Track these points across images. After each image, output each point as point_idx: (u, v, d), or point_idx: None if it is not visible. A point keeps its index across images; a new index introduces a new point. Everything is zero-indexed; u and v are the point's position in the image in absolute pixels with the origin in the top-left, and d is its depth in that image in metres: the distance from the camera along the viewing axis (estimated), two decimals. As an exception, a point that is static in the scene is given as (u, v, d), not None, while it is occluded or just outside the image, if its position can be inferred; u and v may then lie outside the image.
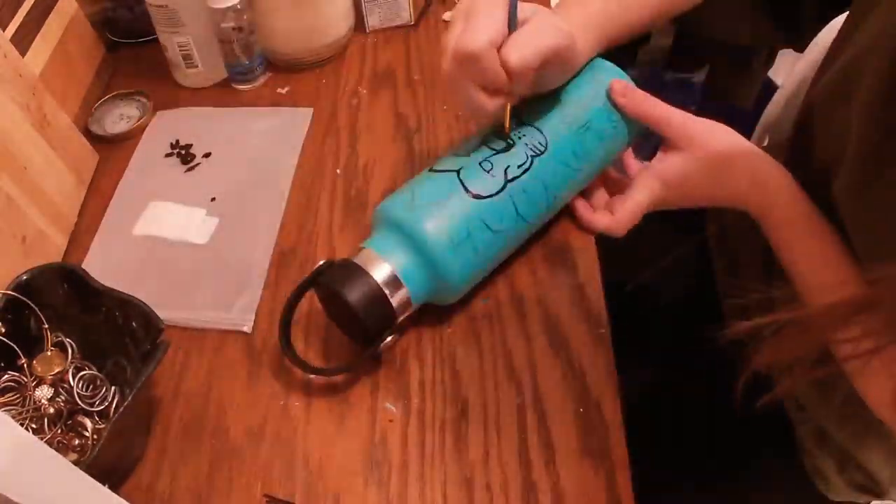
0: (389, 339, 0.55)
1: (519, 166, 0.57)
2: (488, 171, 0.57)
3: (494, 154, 0.57)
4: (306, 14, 0.81)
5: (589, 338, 0.59)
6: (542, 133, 0.59)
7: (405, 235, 0.55)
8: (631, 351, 0.62)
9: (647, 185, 0.59)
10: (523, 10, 0.52)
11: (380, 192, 0.71)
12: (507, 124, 0.58)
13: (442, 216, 0.55)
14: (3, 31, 0.67)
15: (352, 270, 0.54)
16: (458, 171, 0.57)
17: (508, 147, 0.58)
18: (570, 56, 0.56)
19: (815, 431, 0.66)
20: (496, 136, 0.59)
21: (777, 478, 0.69)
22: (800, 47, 1.32)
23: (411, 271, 0.55)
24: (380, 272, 0.54)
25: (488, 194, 0.56)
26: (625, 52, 0.69)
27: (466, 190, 0.56)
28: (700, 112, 0.72)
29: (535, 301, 0.61)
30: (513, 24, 0.51)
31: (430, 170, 0.58)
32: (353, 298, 0.53)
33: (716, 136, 0.57)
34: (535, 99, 0.60)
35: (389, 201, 0.57)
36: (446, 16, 0.91)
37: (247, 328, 0.62)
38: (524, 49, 0.50)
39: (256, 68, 0.83)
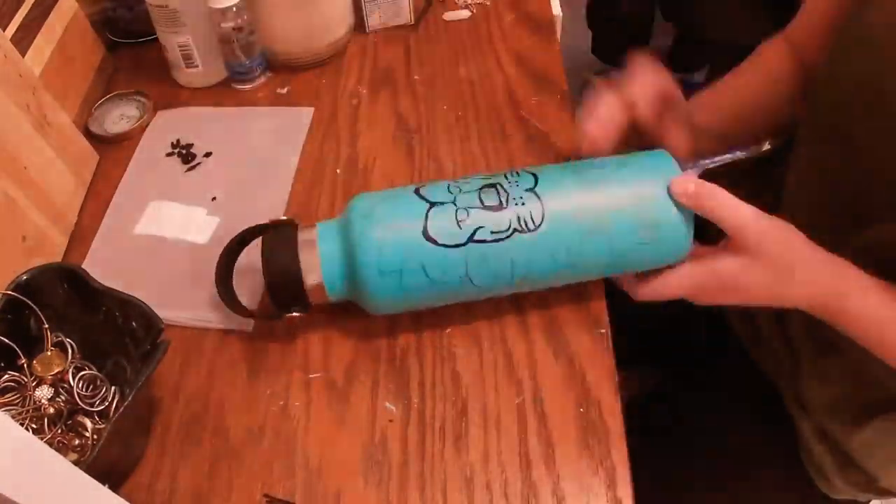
0: (296, 313, 0.57)
1: (493, 232, 0.52)
2: (459, 221, 0.53)
3: (479, 209, 0.53)
4: (306, 14, 0.81)
5: (589, 338, 0.59)
6: (543, 211, 0.53)
7: (346, 236, 0.55)
8: (631, 350, 0.62)
9: (694, 278, 0.54)
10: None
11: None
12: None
13: (385, 240, 0.53)
14: (3, 31, 0.67)
15: (286, 240, 0.56)
16: (431, 206, 0.54)
17: (497, 208, 0.53)
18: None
19: (816, 429, 0.66)
20: (496, 190, 0.54)
21: (777, 477, 0.69)
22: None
23: (336, 269, 0.55)
24: (307, 254, 0.55)
25: (443, 242, 0.52)
26: (625, 52, 0.69)
27: (425, 227, 0.53)
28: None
29: (535, 301, 0.61)
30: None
31: (417, 190, 0.56)
32: (271, 266, 0.55)
33: (786, 242, 0.52)
34: (574, 173, 0.55)
35: (362, 197, 0.57)
36: (446, 16, 0.91)
37: (246, 329, 0.62)
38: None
39: (256, 68, 0.83)
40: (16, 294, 0.55)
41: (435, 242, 0.53)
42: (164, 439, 0.56)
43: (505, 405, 0.56)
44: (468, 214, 0.53)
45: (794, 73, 0.68)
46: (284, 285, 0.55)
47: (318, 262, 0.55)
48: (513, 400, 0.56)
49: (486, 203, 0.53)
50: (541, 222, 0.53)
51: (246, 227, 0.61)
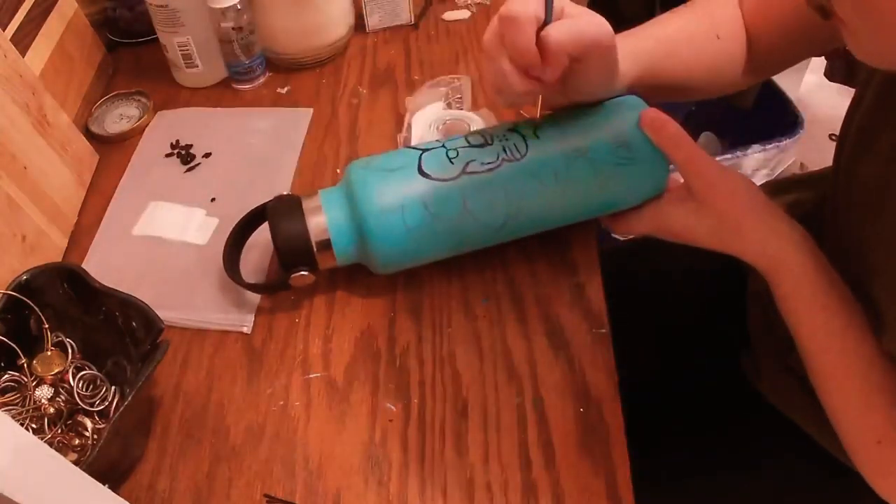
0: (303, 274, 0.58)
1: (484, 163, 0.56)
2: (451, 159, 0.56)
3: (467, 147, 0.57)
4: (306, 14, 0.81)
5: (589, 338, 0.59)
6: (525, 143, 0.57)
7: (347, 189, 0.57)
8: (632, 349, 0.62)
9: (654, 220, 0.58)
10: (573, 8, 0.52)
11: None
12: (538, 112, 0.57)
13: (383, 182, 0.56)
14: (3, 31, 0.67)
15: (292, 206, 0.58)
16: (423, 151, 0.57)
17: (484, 145, 0.57)
18: (609, 57, 0.54)
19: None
20: (481, 135, 0.58)
21: (778, 476, 0.69)
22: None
23: (341, 224, 0.57)
24: (313, 215, 0.57)
25: (437, 177, 0.56)
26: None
27: (420, 166, 0.56)
28: (700, 112, 0.72)
29: (534, 301, 0.61)
30: (548, 12, 0.50)
31: (410, 147, 0.59)
32: (280, 230, 0.57)
33: (736, 196, 0.54)
34: (549, 116, 0.59)
35: (359, 159, 0.60)
36: (446, 16, 0.91)
37: (246, 328, 0.62)
38: (564, 31, 0.50)
39: (256, 68, 0.83)
40: (16, 294, 0.55)
41: (428, 177, 0.56)
42: (164, 439, 0.56)
43: (505, 405, 0.56)
44: (458, 153, 0.57)
45: (739, 35, 0.64)
46: (294, 248, 0.57)
47: (324, 220, 0.57)
48: (513, 400, 0.56)
49: (473, 143, 0.57)
50: (526, 151, 0.56)
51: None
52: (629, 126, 0.56)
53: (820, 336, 0.53)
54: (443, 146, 0.58)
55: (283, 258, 0.58)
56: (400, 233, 0.56)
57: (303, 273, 0.58)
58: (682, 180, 0.57)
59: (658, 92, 0.63)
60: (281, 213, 0.58)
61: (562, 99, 0.58)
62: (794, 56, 0.66)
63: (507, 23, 0.50)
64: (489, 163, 0.56)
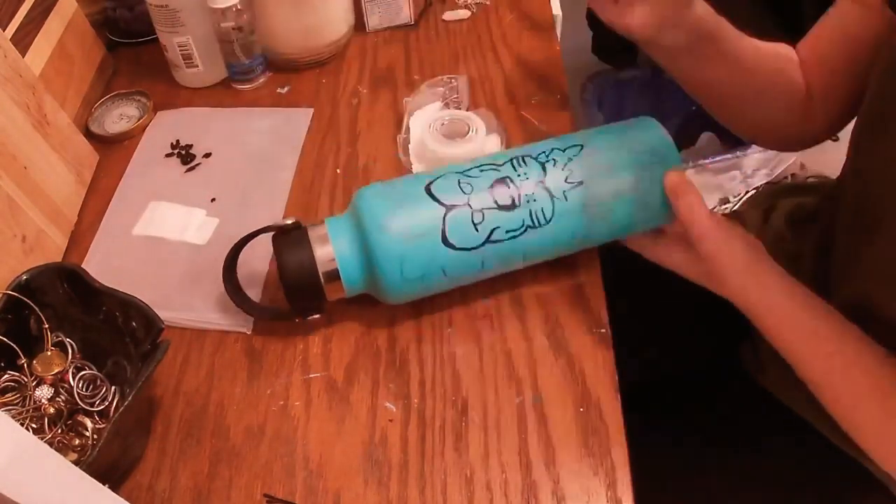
0: (316, 316, 0.59)
1: (508, 231, 0.55)
2: (476, 225, 0.55)
3: (494, 209, 0.55)
4: (306, 14, 0.81)
5: (589, 338, 0.59)
6: (553, 206, 0.56)
7: (362, 240, 0.55)
8: (632, 346, 0.62)
9: (643, 251, 0.61)
10: None
11: (380, 192, 0.71)
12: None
13: (406, 254, 0.54)
14: (3, 31, 0.67)
15: (299, 242, 0.56)
16: (448, 209, 0.55)
17: (511, 207, 0.55)
18: None
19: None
20: (507, 184, 0.55)
21: (780, 476, 0.69)
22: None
23: (353, 267, 0.56)
24: (322, 254, 0.55)
25: (461, 247, 0.55)
26: (625, 52, 0.69)
27: (444, 233, 0.54)
28: (700, 112, 0.72)
29: (535, 301, 0.61)
30: None
31: (428, 187, 0.56)
32: (287, 268, 0.56)
33: (723, 250, 0.56)
34: (581, 162, 0.57)
35: (370, 196, 0.56)
36: (446, 16, 0.91)
37: (246, 329, 0.62)
38: None
39: (256, 68, 0.83)
40: (16, 294, 0.55)
41: (454, 247, 0.55)
42: (164, 439, 0.56)
43: (505, 405, 0.56)
44: (483, 217, 0.55)
45: (795, 80, 0.65)
46: (302, 286, 0.56)
47: (333, 260, 0.56)
48: (513, 400, 0.56)
49: (500, 203, 0.55)
50: (552, 217, 0.56)
51: (244, 227, 0.61)
52: (656, 187, 0.57)
53: (819, 361, 0.54)
54: (468, 204, 0.55)
55: (291, 291, 0.57)
56: (412, 291, 0.58)
57: (317, 316, 0.59)
58: None
59: (711, 71, 0.62)
60: (287, 246, 0.56)
61: (641, 15, 0.55)
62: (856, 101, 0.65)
63: None
64: (513, 230, 0.55)
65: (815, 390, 0.55)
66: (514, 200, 0.55)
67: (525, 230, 0.55)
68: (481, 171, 0.57)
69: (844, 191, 0.61)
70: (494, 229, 0.55)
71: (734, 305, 0.58)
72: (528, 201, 0.55)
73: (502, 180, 0.56)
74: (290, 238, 0.57)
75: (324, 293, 0.57)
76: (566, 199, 0.56)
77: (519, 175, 0.56)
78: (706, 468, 0.71)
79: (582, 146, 0.58)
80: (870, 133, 0.56)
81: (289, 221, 0.58)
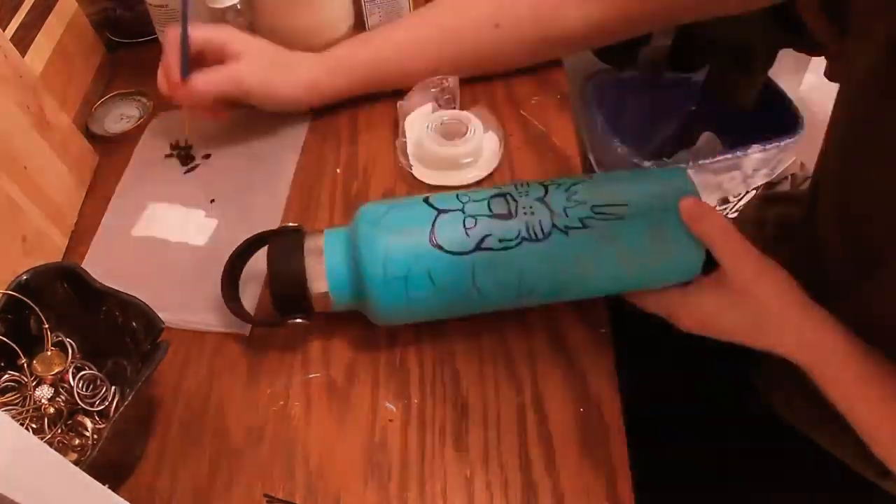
0: (298, 320, 0.57)
1: (501, 240, 0.52)
2: (467, 228, 0.52)
3: (487, 216, 0.53)
4: (306, 14, 0.81)
5: (589, 338, 0.59)
6: (552, 221, 0.52)
7: (353, 242, 0.54)
8: (632, 349, 0.62)
9: (677, 304, 0.55)
10: (237, 44, 0.68)
11: (380, 192, 0.71)
12: (185, 128, 0.67)
13: (391, 245, 0.53)
14: (3, 31, 0.67)
15: (292, 247, 0.56)
16: (439, 213, 0.54)
17: (506, 216, 0.53)
18: (267, 96, 0.70)
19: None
20: (506, 199, 0.54)
21: (780, 476, 0.69)
22: (800, 47, 1.32)
23: (342, 277, 0.55)
24: (314, 261, 0.55)
25: (449, 249, 0.52)
26: (625, 52, 0.69)
27: (432, 233, 0.52)
28: (700, 112, 0.72)
29: (535, 301, 0.61)
30: (184, 68, 0.66)
31: (426, 199, 0.56)
32: (276, 272, 0.55)
33: (777, 288, 0.51)
34: (587, 184, 0.55)
35: (370, 205, 0.56)
36: (446, 16, 0.91)
37: (245, 331, 0.62)
38: (201, 81, 0.65)
39: (256, 68, 0.83)
40: (16, 294, 0.55)
41: (441, 249, 0.52)
42: (164, 439, 0.56)
43: (505, 405, 0.56)
44: (476, 222, 0.53)
45: (528, 19, 0.68)
46: (289, 292, 0.55)
47: (324, 269, 0.55)
48: (513, 400, 0.56)
49: (495, 211, 0.53)
50: (550, 231, 0.52)
51: (244, 228, 0.61)
52: (669, 214, 0.52)
53: (876, 407, 0.50)
54: (462, 210, 0.53)
55: (278, 301, 0.56)
56: (400, 299, 0.53)
57: (298, 321, 0.57)
58: None
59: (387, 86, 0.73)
60: (280, 253, 0.56)
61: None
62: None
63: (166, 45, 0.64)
64: (507, 240, 0.52)
65: (868, 435, 0.51)
66: (510, 210, 0.53)
67: (520, 241, 0.52)
68: (482, 188, 0.56)
69: (826, 217, 0.58)
70: (486, 236, 0.52)
71: (779, 355, 0.52)
72: (524, 212, 0.53)
73: (501, 195, 0.54)
74: (284, 243, 0.56)
75: (311, 306, 0.56)
76: (566, 215, 0.52)
77: (520, 192, 0.54)
78: (715, 491, 0.71)
79: (588, 176, 0.57)
80: (859, 165, 0.53)
81: (290, 225, 0.58)
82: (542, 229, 0.52)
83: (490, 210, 0.53)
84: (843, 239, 0.56)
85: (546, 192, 0.54)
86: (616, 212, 0.52)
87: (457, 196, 0.55)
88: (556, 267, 0.53)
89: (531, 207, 0.53)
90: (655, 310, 0.56)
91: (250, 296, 0.64)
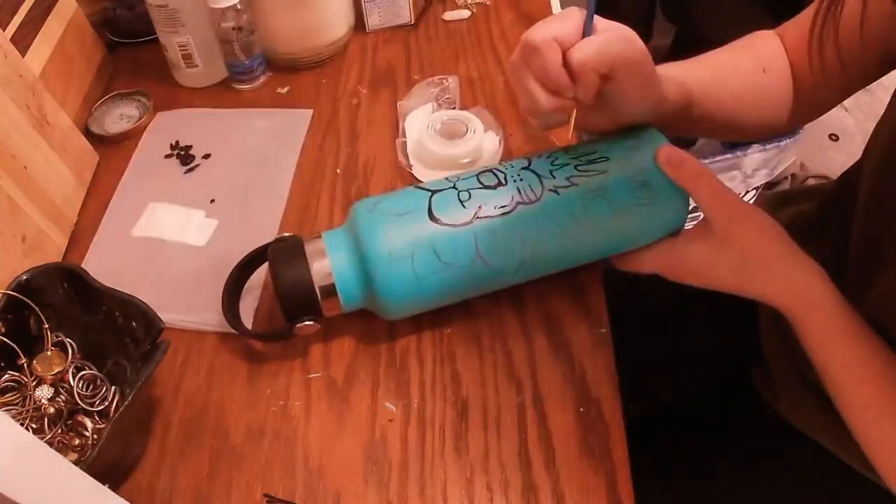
0: (308, 323, 0.56)
1: (497, 207, 0.54)
2: (462, 202, 0.54)
3: (480, 188, 0.55)
4: (306, 14, 0.81)
5: (589, 338, 0.59)
6: (541, 183, 0.54)
7: (353, 235, 0.55)
8: (633, 351, 0.62)
9: (666, 257, 0.56)
10: (606, 24, 0.51)
11: (380, 191, 0.71)
12: (569, 132, 0.54)
13: (391, 228, 0.53)
14: (3, 31, 0.67)
15: (294, 251, 0.55)
16: (432, 193, 0.55)
17: (497, 186, 0.55)
18: (643, 73, 0.52)
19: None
20: (494, 174, 0.56)
21: (780, 477, 0.69)
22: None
23: (347, 272, 0.55)
24: (318, 263, 0.55)
25: (449, 222, 0.53)
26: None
27: (429, 209, 0.54)
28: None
29: (535, 301, 0.61)
30: (588, 28, 0.50)
31: (416, 185, 0.57)
32: (282, 278, 0.55)
33: (762, 231, 0.52)
34: (565, 150, 0.57)
35: (363, 201, 0.57)
36: (446, 16, 0.91)
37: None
38: (589, 50, 0.49)
39: (256, 68, 0.83)
40: (16, 294, 0.55)
41: (440, 223, 0.53)
42: (164, 439, 0.56)
43: (505, 405, 0.56)
44: (470, 195, 0.54)
45: (784, 71, 0.64)
46: (297, 298, 0.55)
47: (329, 270, 0.55)
48: (513, 400, 0.56)
49: (486, 184, 0.55)
50: (541, 193, 0.54)
51: (244, 229, 0.62)
52: (648, 163, 0.54)
53: (853, 366, 0.51)
54: (454, 187, 0.55)
55: (286, 307, 0.55)
56: (410, 281, 0.54)
57: (307, 323, 0.56)
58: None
59: (703, 124, 0.62)
60: (283, 259, 0.55)
61: (604, 120, 0.56)
62: (838, 93, 0.64)
63: (530, 51, 0.50)
64: (502, 206, 0.54)
65: (838, 392, 0.52)
66: (499, 181, 0.55)
67: (515, 206, 0.54)
68: (469, 171, 0.57)
69: (853, 208, 0.58)
70: (482, 205, 0.54)
71: (763, 305, 0.53)
72: (514, 180, 0.55)
73: (488, 170, 0.56)
74: (285, 250, 0.56)
75: (320, 308, 0.56)
76: (553, 176, 0.55)
77: (505, 167, 0.57)
78: (716, 490, 0.70)
79: (566, 148, 0.58)
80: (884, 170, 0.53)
81: (286, 235, 0.58)
82: (533, 192, 0.54)
83: (481, 183, 0.55)
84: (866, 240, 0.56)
85: (529, 162, 0.56)
86: (598, 167, 0.55)
87: (446, 178, 0.57)
88: (554, 227, 0.54)
89: (519, 175, 0.55)
90: (650, 267, 0.57)
91: (247, 309, 0.63)
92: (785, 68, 0.64)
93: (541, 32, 0.49)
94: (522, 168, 0.56)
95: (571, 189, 0.54)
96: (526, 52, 0.50)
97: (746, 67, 0.63)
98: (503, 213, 0.54)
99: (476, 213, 0.53)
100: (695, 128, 0.62)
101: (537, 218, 0.54)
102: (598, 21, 0.51)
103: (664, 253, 0.56)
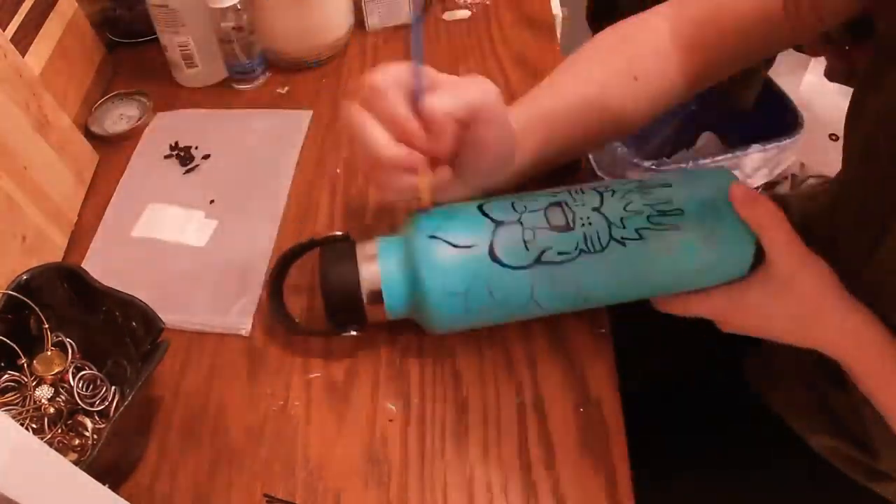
0: (353, 333, 0.56)
1: (560, 253, 0.52)
2: (526, 242, 0.52)
3: (546, 228, 0.52)
4: (306, 14, 0.81)
5: (589, 338, 0.59)
6: (609, 233, 0.52)
7: (409, 255, 0.53)
8: (632, 350, 0.62)
9: (721, 303, 0.54)
10: (449, 78, 0.50)
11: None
12: (424, 197, 0.52)
13: (450, 261, 0.52)
14: (3, 31, 0.67)
15: (345, 256, 0.55)
16: (497, 225, 0.53)
17: (565, 228, 0.52)
18: (501, 122, 0.51)
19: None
20: (563, 210, 0.53)
21: (779, 477, 0.69)
22: (800, 48, 1.32)
23: (397, 288, 0.54)
24: (367, 271, 0.54)
25: (509, 264, 0.52)
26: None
27: (492, 247, 0.52)
28: (700, 112, 0.72)
29: (535, 301, 0.61)
30: (420, 80, 0.48)
31: (480, 206, 0.55)
32: (329, 282, 0.54)
33: (821, 279, 0.51)
34: (640, 186, 0.55)
35: (424, 215, 0.54)
36: (446, 16, 0.91)
37: (244, 332, 0.62)
38: (447, 97, 0.47)
39: (256, 68, 0.83)
40: (16, 294, 0.55)
41: (501, 263, 0.52)
42: (164, 439, 0.56)
43: (505, 405, 0.56)
44: (535, 235, 0.52)
45: (663, 69, 0.60)
46: (342, 303, 0.54)
47: (378, 279, 0.54)
48: (513, 400, 0.56)
49: (553, 223, 0.53)
50: (608, 243, 0.52)
51: (244, 229, 0.61)
52: (721, 214, 0.52)
53: None
54: (519, 221, 0.53)
55: (331, 314, 0.55)
56: (458, 311, 0.53)
57: (353, 333, 0.56)
58: None
59: (569, 153, 0.60)
60: (333, 264, 0.55)
61: (458, 187, 0.53)
62: (747, 59, 0.63)
63: (373, 93, 0.47)
64: (566, 253, 0.52)
65: None
66: (567, 222, 0.52)
67: (578, 254, 0.52)
68: (538, 195, 0.55)
69: (846, 199, 0.58)
70: (546, 250, 0.52)
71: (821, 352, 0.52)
72: (582, 224, 0.52)
73: (557, 204, 0.54)
74: (336, 251, 0.55)
75: (364, 314, 0.55)
76: (623, 225, 0.52)
77: (576, 201, 0.54)
78: (709, 489, 0.70)
79: (640, 182, 0.56)
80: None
81: (338, 233, 0.58)
82: (599, 241, 0.52)
83: (548, 222, 0.53)
84: (858, 221, 0.56)
85: (602, 201, 0.54)
86: (671, 221, 0.52)
87: (512, 205, 0.54)
88: (615, 278, 0.53)
89: (588, 218, 0.53)
90: (700, 311, 0.55)
91: (249, 307, 0.64)
92: (665, 64, 0.60)
93: (385, 74, 0.47)
94: (593, 209, 0.53)
95: (639, 243, 0.52)
96: (369, 94, 0.47)
97: (615, 82, 0.60)
98: (564, 261, 0.52)
99: (538, 258, 0.52)
100: (559, 161, 0.60)
101: (598, 267, 0.52)
102: (437, 76, 0.50)
103: (718, 297, 0.54)
